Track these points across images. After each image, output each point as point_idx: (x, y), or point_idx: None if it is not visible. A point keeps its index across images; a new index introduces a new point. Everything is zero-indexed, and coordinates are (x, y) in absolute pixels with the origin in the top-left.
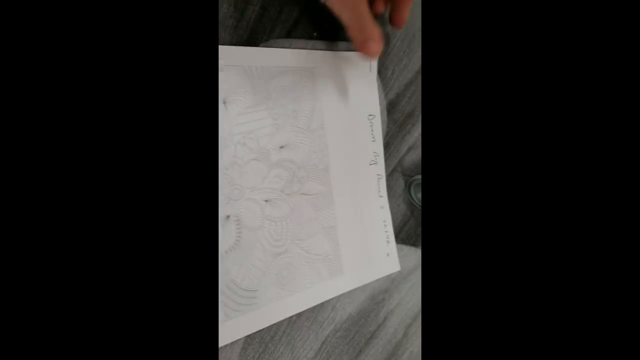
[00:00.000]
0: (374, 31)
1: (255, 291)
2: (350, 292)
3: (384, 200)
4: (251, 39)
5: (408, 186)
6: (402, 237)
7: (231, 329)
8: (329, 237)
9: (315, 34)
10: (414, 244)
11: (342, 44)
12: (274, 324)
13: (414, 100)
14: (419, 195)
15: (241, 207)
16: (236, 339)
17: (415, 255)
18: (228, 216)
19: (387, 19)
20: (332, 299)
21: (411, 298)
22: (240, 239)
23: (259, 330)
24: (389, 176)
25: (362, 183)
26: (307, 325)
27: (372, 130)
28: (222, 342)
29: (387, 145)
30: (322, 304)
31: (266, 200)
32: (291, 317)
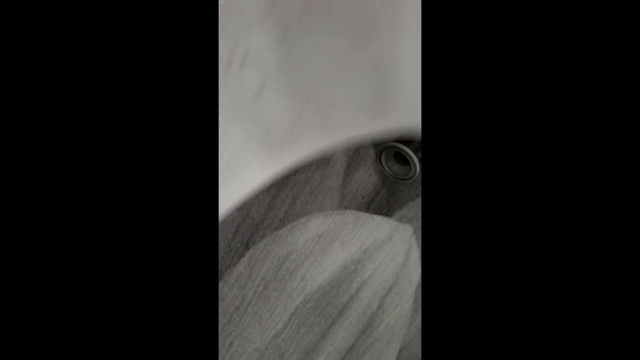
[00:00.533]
0: None
1: None
2: (320, 261)
3: None
4: None
5: (379, 155)
6: (373, 207)
7: None
8: None
9: None
10: (386, 214)
11: None
12: (237, 298)
13: None
14: (390, 163)
15: None
16: None
17: (387, 225)
18: None
19: None
20: (302, 268)
21: (385, 269)
22: None
23: (222, 301)
24: (359, 148)
25: None
26: (275, 296)
27: None
28: None
29: None
30: (291, 273)
31: None
32: (257, 287)
